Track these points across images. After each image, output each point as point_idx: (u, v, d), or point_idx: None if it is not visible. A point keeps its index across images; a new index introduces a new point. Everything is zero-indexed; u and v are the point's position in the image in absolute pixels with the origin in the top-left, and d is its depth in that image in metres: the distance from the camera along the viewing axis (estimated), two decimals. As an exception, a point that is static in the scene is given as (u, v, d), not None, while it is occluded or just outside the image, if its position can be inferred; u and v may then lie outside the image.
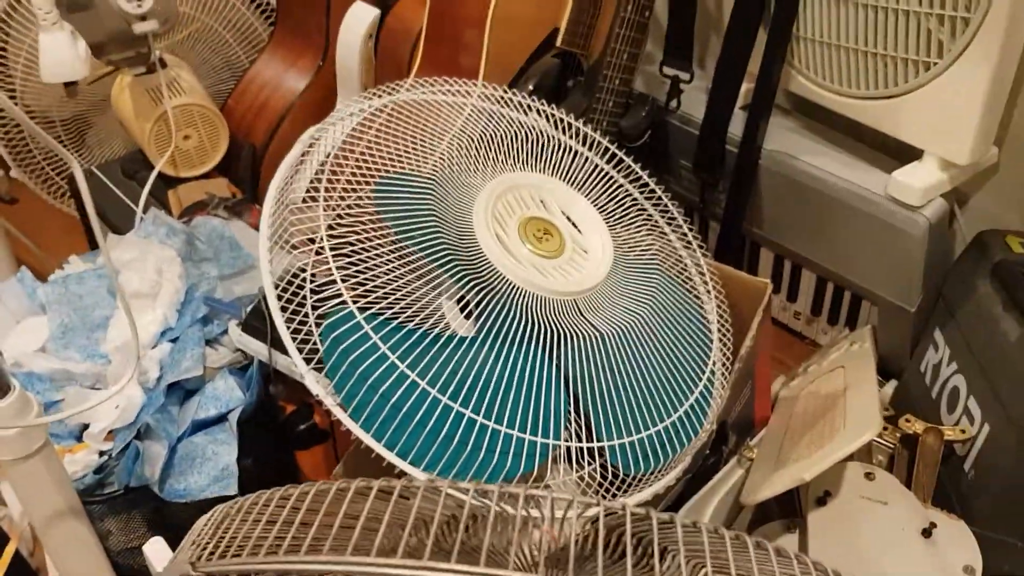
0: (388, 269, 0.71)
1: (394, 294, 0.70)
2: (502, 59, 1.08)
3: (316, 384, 0.67)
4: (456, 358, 0.69)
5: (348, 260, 0.70)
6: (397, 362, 0.66)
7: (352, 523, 0.36)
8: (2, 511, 0.92)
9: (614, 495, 0.71)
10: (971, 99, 0.88)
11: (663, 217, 0.90)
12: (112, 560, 0.79)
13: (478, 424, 0.66)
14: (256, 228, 1.09)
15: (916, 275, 0.99)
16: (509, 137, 0.85)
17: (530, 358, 0.71)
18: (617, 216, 0.87)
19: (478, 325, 0.71)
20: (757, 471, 0.84)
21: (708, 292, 0.87)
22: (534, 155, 0.85)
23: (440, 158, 0.82)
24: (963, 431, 0.86)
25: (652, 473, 0.73)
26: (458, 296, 0.73)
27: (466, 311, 0.73)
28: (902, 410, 0.92)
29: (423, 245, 0.72)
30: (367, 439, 0.65)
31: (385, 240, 0.73)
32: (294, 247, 0.71)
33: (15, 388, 0.60)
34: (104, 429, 0.86)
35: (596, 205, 0.85)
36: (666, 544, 0.39)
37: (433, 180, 0.79)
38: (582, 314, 0.76)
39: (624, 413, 0.73)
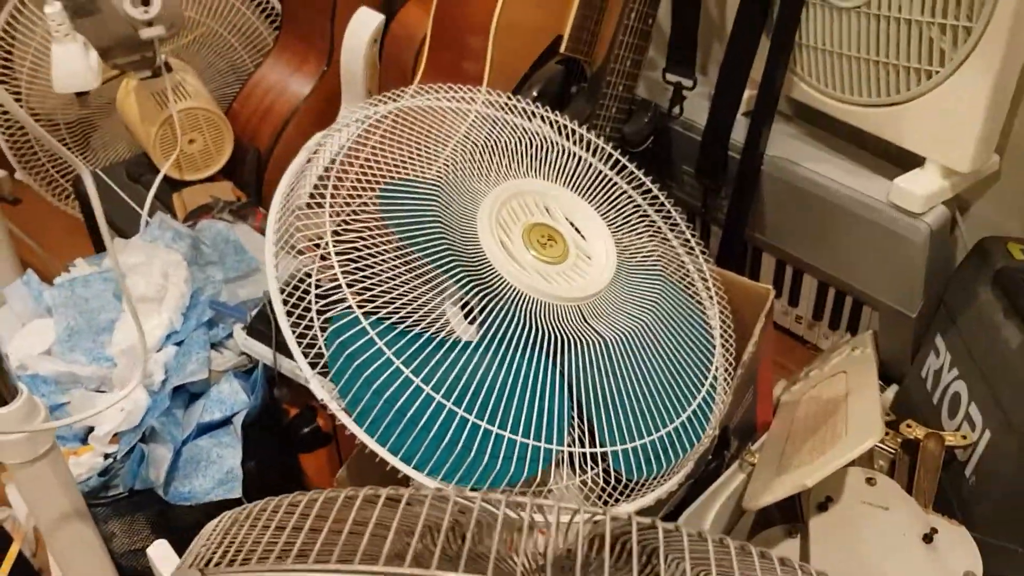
0: (393, 274, 0.71)
1: (399, 299, 0.70)
2: (506, 65, 1.08)
3: (321, 388, 0.67)
4: (460, 363, 0.69)
5: (353, 265, 0.70)
6: (401, 367, 0.67)
7: (360, 530, 0.37)
8: (5, 512, 0.92)
9: (616, 500, 0.71)
10: (973, 107, 0.89)
11: (666, 223, 0.90)
12: (116, 562, 0.79)
13: (481, 428, 0.66)
14: (261, 232, 1.10)
15: (917, 281, 0.99)
16: (513, 143, 0.85)
17: (533, 363, 0.72)
18: (620, 222, 0.87)
19: (482, 330, 0.72)
20: (759, 476, 0.84)
21: (711, 297, 0.88)
22: (538, 161, 0.86)
23: (444, 164, 0.82)
24: (964, 437, 0.86)
25: (655, 478, 0.73)
26: (462, 301, 0.73)
27: (470, 316, 0.74)
28: (903, 415, 0.92)
29: (427, 250, 0.73)
30: (371, 443, 0.65)
31: (390, 245, 0.73)
32: (299, 252, 0.72)
33: (22, 393, 0.61)
34: (109, 432, 0.86)
35: (600, 211, 0.86)
36: (671, 553, 0.39)
37: (437, 186, 0.80)
38: (585, 320, 0.77)
39: (627, 418, 0.73)
